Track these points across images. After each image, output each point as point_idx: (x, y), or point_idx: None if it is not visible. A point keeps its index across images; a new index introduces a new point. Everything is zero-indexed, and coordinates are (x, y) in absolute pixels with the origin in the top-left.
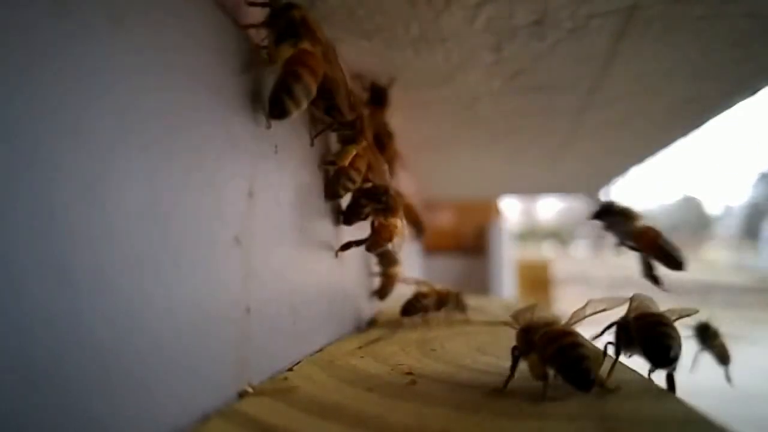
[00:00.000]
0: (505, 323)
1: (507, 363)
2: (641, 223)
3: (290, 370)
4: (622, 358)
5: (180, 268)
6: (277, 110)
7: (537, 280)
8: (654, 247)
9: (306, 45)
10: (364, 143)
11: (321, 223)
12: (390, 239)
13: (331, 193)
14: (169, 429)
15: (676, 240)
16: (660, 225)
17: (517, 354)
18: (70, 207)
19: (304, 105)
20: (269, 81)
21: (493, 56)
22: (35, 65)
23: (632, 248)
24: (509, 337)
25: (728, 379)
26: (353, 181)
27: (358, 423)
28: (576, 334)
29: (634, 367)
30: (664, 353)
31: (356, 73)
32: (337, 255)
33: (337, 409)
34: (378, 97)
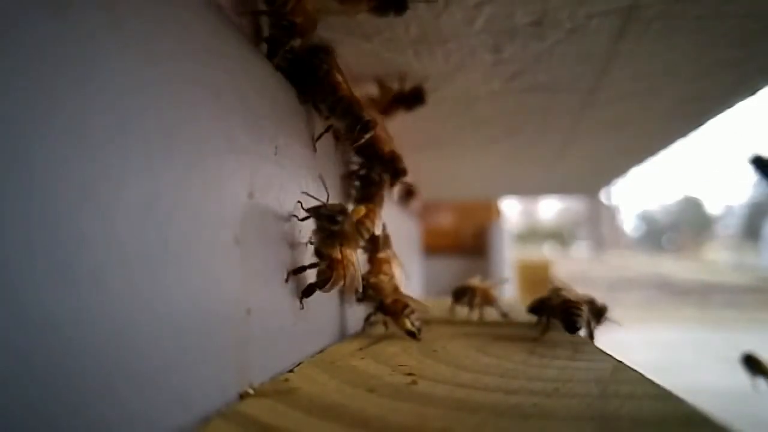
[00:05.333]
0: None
1: (508, 364)
2: None
3: (291, 371)
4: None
5: (180, 268)
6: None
7: (537, 280)
8: None
9: None
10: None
11: None
12: (342, 277)
13: None
14: (169, 430)
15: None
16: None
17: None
18: (70, 207)
19: None
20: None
21: (492, 57)
22: (34, 65)
23: None
24: (510, 338)
25: None
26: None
27: (359, 424)
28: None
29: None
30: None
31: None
32: (287, 280)
33: (338, 410)
34: (416, 98)
